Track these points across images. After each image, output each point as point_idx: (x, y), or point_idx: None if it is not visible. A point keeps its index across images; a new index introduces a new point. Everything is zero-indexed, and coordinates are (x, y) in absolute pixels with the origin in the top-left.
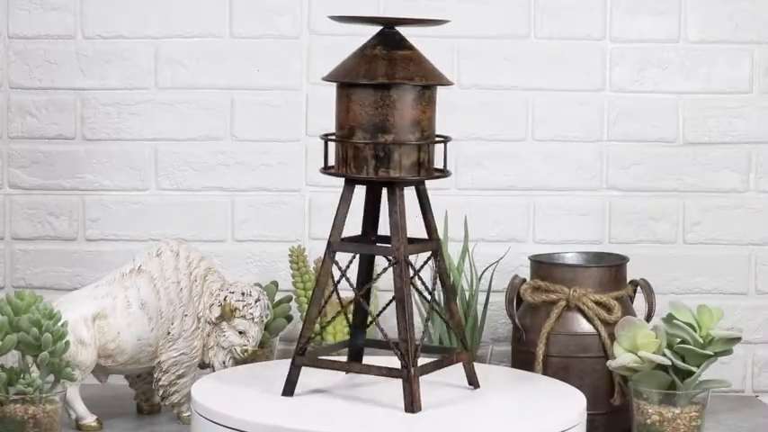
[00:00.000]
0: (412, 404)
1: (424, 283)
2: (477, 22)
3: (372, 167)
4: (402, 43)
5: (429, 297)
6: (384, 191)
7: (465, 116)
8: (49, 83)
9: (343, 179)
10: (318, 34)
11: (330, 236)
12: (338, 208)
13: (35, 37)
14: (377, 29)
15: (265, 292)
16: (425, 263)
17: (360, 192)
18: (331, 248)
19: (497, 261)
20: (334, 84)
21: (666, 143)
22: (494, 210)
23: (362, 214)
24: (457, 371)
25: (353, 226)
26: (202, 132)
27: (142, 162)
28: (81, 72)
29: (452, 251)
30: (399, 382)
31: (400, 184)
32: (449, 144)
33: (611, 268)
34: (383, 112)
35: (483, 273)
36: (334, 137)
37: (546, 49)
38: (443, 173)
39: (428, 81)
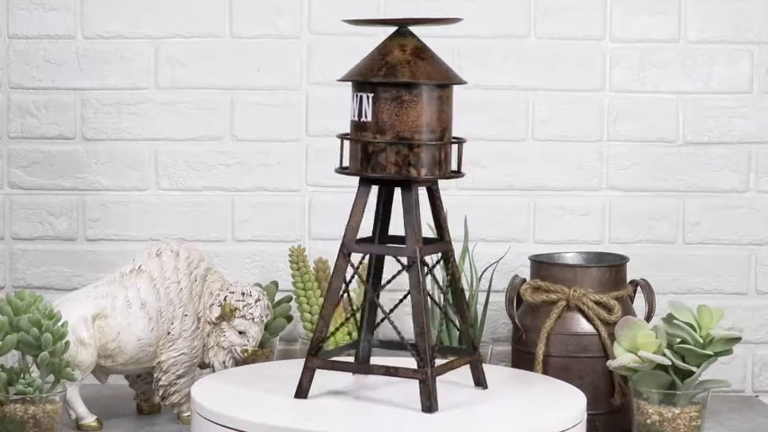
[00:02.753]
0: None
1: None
2: (477, 22)
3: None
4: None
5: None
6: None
7: (465, 116)
8: (49, 83)
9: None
10: (318, 34)
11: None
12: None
13: (35, 37)
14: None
15: (265, 292)
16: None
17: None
18: (415, 259)
19: (497, 261)
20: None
21: (666, 143)
22: (494, 210)
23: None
24: (456, 371)
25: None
26: (202, 132)
27: (142, 162)
28: (81, 72)
29: None
30: (398, 382)
31: (424, 184)
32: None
33: (611, 268)
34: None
35: (483, 273)
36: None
37: (546, 48)
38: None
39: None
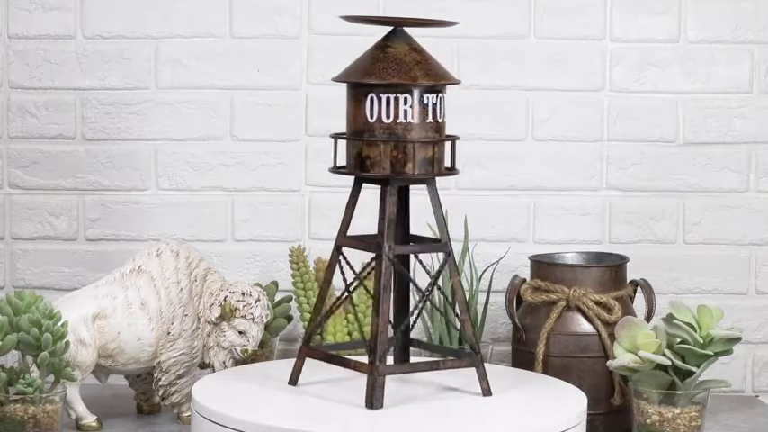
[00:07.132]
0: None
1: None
2: (477, 22)
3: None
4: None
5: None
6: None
7: (465, 116)
8: (49, 83)
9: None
10: (318, 34)
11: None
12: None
13: (35, 37)
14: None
15: (265, 292)
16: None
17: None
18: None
19: (497, 261)
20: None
21: (666, 143)
22: (494, 210)
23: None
24: (457, 372)
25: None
26: (202, 132)
27: (142, 162)
28: (81, 72)
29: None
30: (393, 380)
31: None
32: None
33: (611, 268)
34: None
35: (483, 273)
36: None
37: (546, 49)
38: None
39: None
